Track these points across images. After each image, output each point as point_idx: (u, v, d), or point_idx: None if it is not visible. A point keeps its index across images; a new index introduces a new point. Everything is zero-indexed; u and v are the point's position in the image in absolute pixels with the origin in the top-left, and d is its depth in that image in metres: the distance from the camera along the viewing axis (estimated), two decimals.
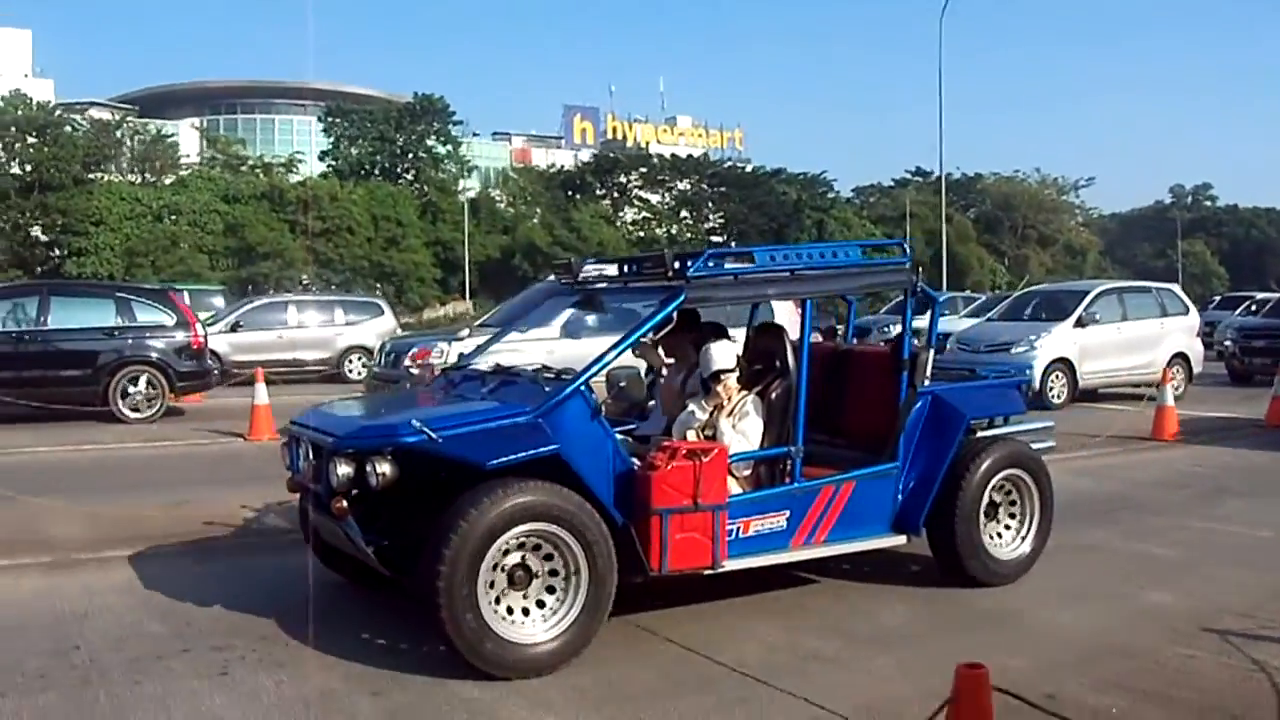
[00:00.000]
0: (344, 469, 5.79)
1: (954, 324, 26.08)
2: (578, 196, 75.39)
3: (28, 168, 52.76)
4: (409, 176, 70.54)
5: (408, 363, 15.32)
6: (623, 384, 6.66)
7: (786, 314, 15.17)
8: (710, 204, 79.18)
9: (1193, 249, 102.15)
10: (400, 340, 18.49)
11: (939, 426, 7.23)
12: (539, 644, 5.67)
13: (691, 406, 7.02)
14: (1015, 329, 20.06)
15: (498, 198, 75.70)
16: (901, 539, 7.16)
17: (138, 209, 55.59)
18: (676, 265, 6.59)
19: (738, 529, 6.37)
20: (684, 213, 79.01)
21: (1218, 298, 46.41)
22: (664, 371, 7.94)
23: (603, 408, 6.33)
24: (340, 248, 59.12)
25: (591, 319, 12.26)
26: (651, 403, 7.97)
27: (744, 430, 6.77)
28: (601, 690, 5.52)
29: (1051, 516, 7.64)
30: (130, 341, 17.34)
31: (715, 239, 73.35)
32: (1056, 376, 19.04)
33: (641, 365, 7.94)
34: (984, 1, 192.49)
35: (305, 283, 54.75)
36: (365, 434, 6.05)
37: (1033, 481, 7.55)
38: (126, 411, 16.77)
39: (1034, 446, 7.90)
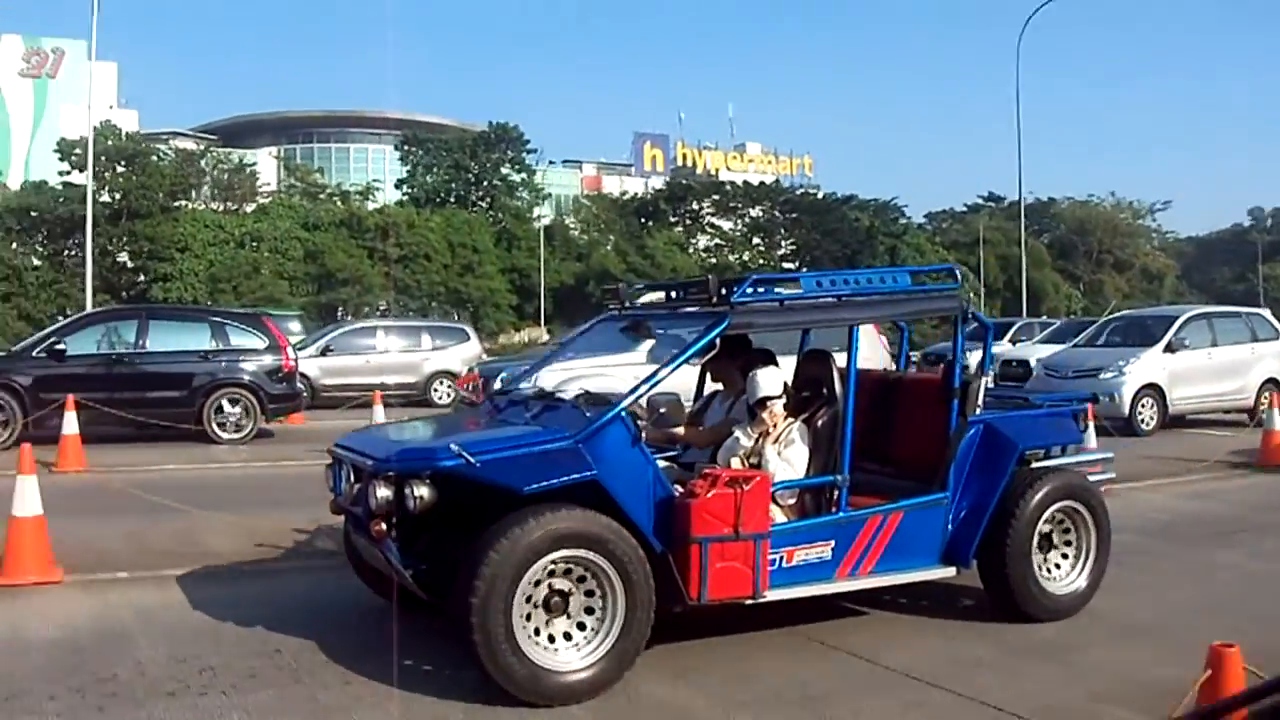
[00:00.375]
0: (383, 492, 5.81)
1: (1031, 350, 25.93)
2: (650, 223, 75.75)
3: (116, 195, 54.08)
4: (484, 204, 71.10)
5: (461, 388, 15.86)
6: (662, 410, 6.57)
7: (869, 338, 15.35)
8: (782, 230, 79.04)
9: (1274, 272, 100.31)
10: (488, 365, 19.02)
11: (991, 456, 7.07)
12: (574, 671, 5.64)
13: (737, 433, 6.94)
14: (1104, 355, 19.93)
15: (571, 225, 76.27)
16: (951, 571, 7.01)
17: (221, 236, 56.76)
18: (721, 291, 6.55)
19: (781, 558, 6.28)
20: (756, 239, 78.96)
21: None
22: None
23: (643, 434, 6.27)
24: (418, 274, 59.71)
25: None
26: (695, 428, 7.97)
27: (789, 458, 6.69)
28: (786, 690, 5.70)
29: (1108, 550, 7.42)
30: (224, 364, 17.76)
31: (788, 265, 73.30)
32: (1146, 403, 18.85)
33: (682, 390, 7.77)
34: (1055, 24, 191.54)
35: (383, 309, 55.86)
36: (404, 457, 6.05)
37: (1089, 514, 7.33)
38: (220, 432, 17.14)
39: (1092, 478, 7.69)
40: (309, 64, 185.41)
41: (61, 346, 17.06)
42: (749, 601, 6.06)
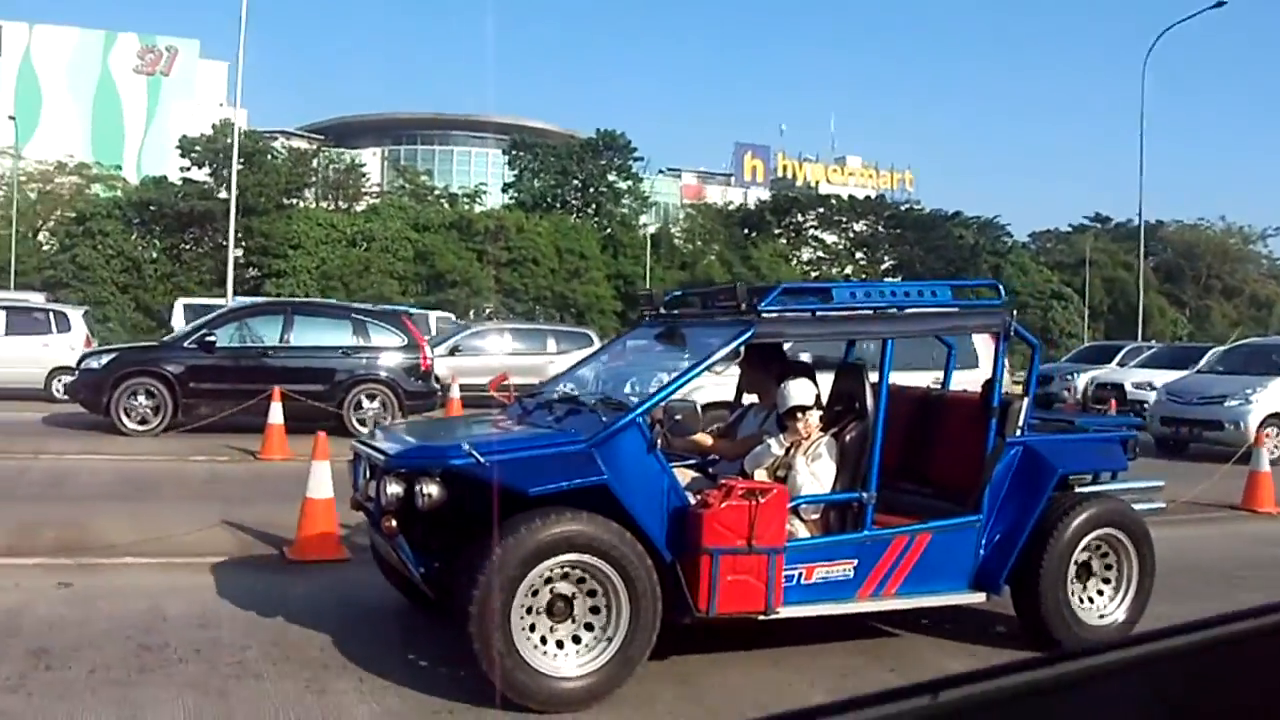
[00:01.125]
0: (393, 488, 5.81)
1: (1126, 375, 26.22)
2: (754, 234, 75.87)
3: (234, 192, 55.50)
4: (589, 210, 71.70)
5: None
6: (678, 417, 6.31)
7: (985, 346, 14.96)
8: (886, 246, 78.58)
9: None
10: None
11: (1029, 479, 6.81)
12: (573, 678, 5.56)
13: (769, 442, 6.77)
14: (1229, 382, 19.52)
15: (676, 233, 76.34)
16: (980, 597, 6.77)
17: (333, 234, 57.96)
18: (749, 299, 6.41)
19: (799, 575, 6.11)
20: (859, 254, 78.53)
21: None
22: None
23: (659, 441, 6.15)
24: (525, 278, 60.27)
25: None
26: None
27: (816, 472, 6.52)
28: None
29: (1151, 583, 7.07)
30: (364, 360, 18.16)
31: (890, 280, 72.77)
32: (1273, 431, 18.22)
33: (699, 399, 7.69)
34: (1171, 42, 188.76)
35: (489, 311, 56.50)
36: (415, 455, 6.07)
37: (1131, 543, 7.00)
38: (359, 426, 17.17)
39: (1139, 507, 7.35)
40: (414, 67, 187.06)
41: (212, 338, 17.57)
42: (761, 617, 5.92)
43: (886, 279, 72.16)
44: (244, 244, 55.65)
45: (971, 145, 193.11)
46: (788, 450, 6.65)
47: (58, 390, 22.96)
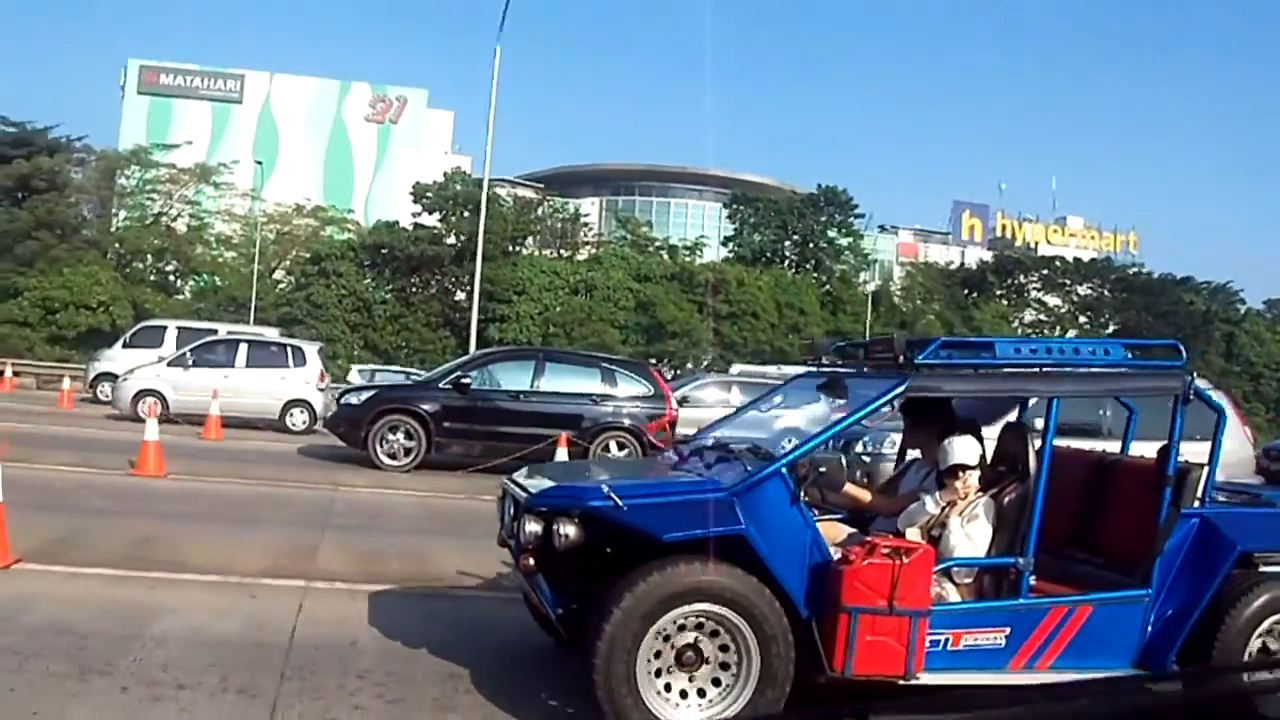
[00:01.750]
0: (531, 527, 5.80)
1: None
2: (974, 295, 74.50)
3: (462, 238, 56.78)
4: (808, 266, 71.39)
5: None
6: (822, 469, 6.20)
7: (1233, 428, 14.35)
8: (1110, 310, 76.11)
9: None
10: None
11: (1204, 554, 6.38)
12: None
13: (925, 499, 6.57)
14: None
15: (896, 291, 75.73)
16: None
17: (555, 281, 58.96)
18: (907, 352, 6.22)
19: (946, 640, 5.86)
20: (1083, 318, 76.23)
21: None
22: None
23: (802, 494, 5.99)
24: (744, 331, 60.32)
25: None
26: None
27: (971, 533, 6.29)
28: None
29: None
30: (612, 408, 18.55)
31: None
32: None
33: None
34: None
35: (707, 363, 56.61)
36: (555, 495, 6.01)
37: None
38: None
39: None
40: (632, 119, 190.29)
41: (466, 380, 18.20)
42: (901, 682, 5.64)
43: None
44: (467, 288, 57.19)
45: (1200, 205, 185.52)
46: (944, 509, 6.43)
47: (292, 423, 24.32)
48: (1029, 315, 76.17)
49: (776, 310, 62.35)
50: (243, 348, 25.34)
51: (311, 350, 26.25)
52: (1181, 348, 6.97)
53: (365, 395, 18.88)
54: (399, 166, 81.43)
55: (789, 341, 61.06)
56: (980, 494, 6.42)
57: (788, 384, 8.87)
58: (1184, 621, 6.24)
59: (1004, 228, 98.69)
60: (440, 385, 18.55)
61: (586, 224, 71.65)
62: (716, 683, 5.55)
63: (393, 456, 17.51)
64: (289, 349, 26.12)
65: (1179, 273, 77.57)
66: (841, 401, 7.71)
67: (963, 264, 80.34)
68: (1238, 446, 14.64)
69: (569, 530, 5.68)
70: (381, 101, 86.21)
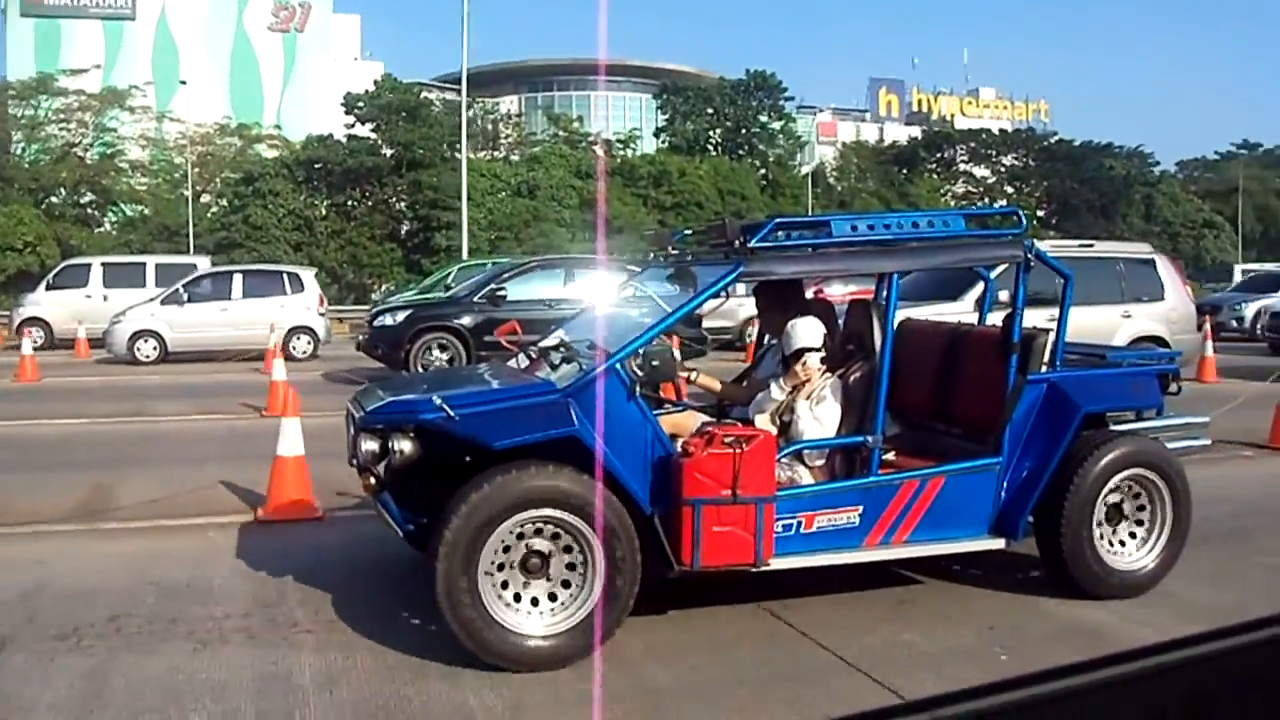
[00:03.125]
0: (368, 445, 5.66)
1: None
2: (905, 172, 74.82)
3: (398, 147, 56.07)
4: (741, 152, 70.99)
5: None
6: (655, 362, 5.98)
7: (1169, 275, 15.90)
8: (1036, 179, 76.68)
9: None
10: None
11: (1052, 418, 6.38)
12: (547, 636, 5.36)
13: (773, 385, 6.50)
14: None
15: (830, 172, 75.33)
16: (1000, 543, 6.36)
17: (497, 185, 57.98)
18: (740, 235, 6.07)
19: (798, 524, 5.82)
20: (1009, 187, 76.68)
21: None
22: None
23: (637, 388, 5.82)
24: (689, 221, 58.12)
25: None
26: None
27: (820, 415, 6.22)
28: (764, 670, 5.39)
29: (1187, 527, 6.58)
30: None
31: (1040, 214, 71.27)
32: None
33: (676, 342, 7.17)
34: None
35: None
36: (389, 410, 5.88)
37: (1165, 485, 6.50)
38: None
39: (1172, 445, 6.88)
40: (546, 12, 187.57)
41: (502, 292, 18.37)
42: (752, 569, 5.61)
43: (1039, 212, 71.67)
44: (411, 198, 56.62)
45: (1106, 74, 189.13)
46: (790, 393, 6.37)
47: (298, 350, 24.16)
48: (961, 188, 76.82)
49: (719, 198, 62.15)
50: (238, 279, 25.29)
51: (308, 275, 26.22)
52: (1021, 214, 6.93)
53: (402, 315, 18.93)
54: (309, 76, 79.08)
55: (678, 228, 60.76)
56: (827, 376, 6.35)
57: (636, 276, 8.76)
58: (1035, 486, 6.28)
59: (920, 102, 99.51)
60: (476, 300, 18.60)
61: (518, 124, 70.67)
62: (566, 585, 5.46)
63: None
64: (285, 275, 26.03)
65: (1088, 139, 78.31)
66: (690, 289, 7.42)
67: (895, 142, 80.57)
68: (1180, 304, 15.98)
69: (404, 445, 5.54)
70: (284, 9, 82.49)
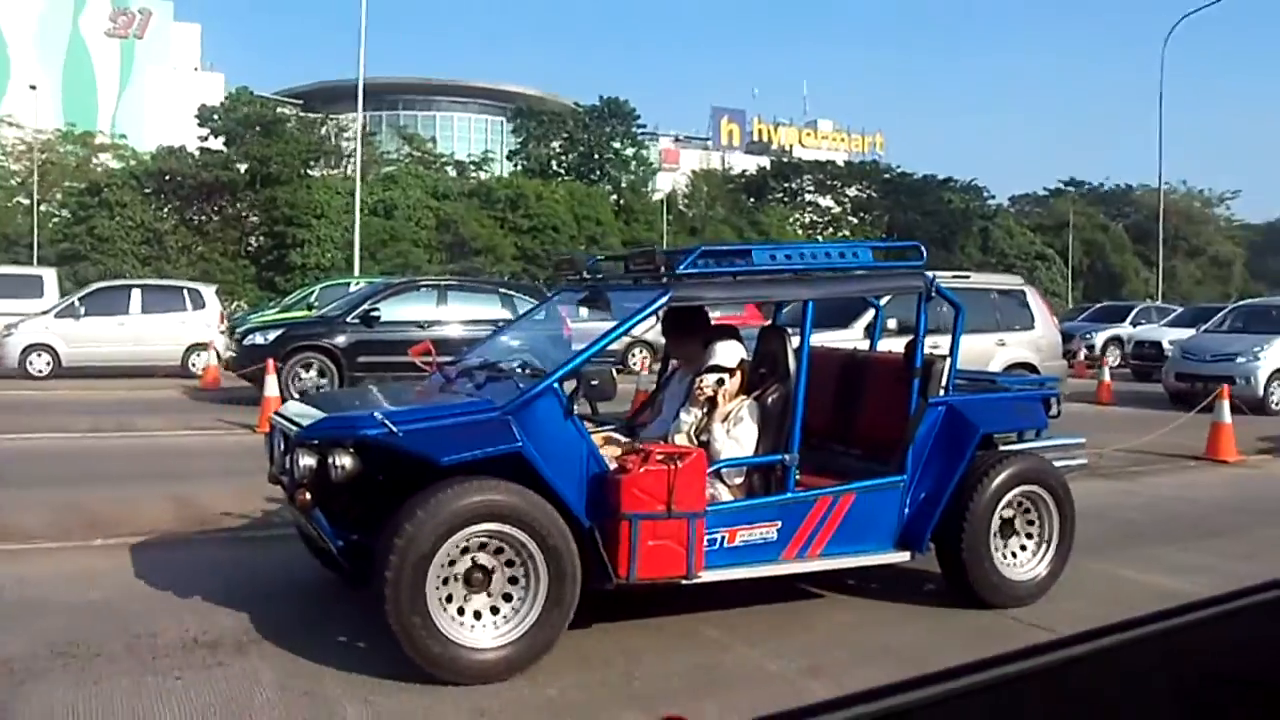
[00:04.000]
0: (306, 460, 5.63)
1: (1160, 333, 28.36)
2: (752, 200, 76.76)
3: (253, 162, 55.15)
4: (592, 177, 71.70)
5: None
6: (594, 382, 6.26)
7: (1039, 306, 16.81)
8: (879, 210, 79.01)
9: None
10: None
11: (951, 439, 6.78)
12: (491, 649, 5.45)
13: (690, 406, 6.75)
14: (1239, 340, 20.84)
15: (684, 199, 76.79)
16: (905, 556, 6.73)
17: (352, 204, 57.72)
18: (667, 263, 6.35)
19: (722, 538, 6.05)
20: (854, 219, 79.05)
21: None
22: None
23: (575, 408, 6.06)
24: (546, 244, 60.10)
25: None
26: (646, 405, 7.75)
27: (738, 436, 6.47)
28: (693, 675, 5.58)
29: (1072, 538, 7.11)
30: None
31: None
32: (1277, 385, 20.07)
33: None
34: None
35: (509, 278, 56.99)
36: (327, 426, 5.88)
37: (1052, 500, 7.03)
38: None
39: (1059, 464, 7.42)
40: (390, 31, 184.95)
41: (375, 313, 18.18)
42: (684, 581, 5.84)
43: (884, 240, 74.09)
44: (261, 214, 55.85)
45: (939, 110, 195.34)
46: (705, 414, 6.61)
47: (194, 367, 23.70)
48: (808, 217, 78.95)
49: (575, 222, 62.67)
50: (136, 293, 24.58)
51: (209, 292, 25.63)
52: (923, 249, 7.32)
53: (273, 334, 18.50)
54: (147, 85, 76.62)
55: (590, 253, 61.21)
56: (743, 398, 6.62)
57: (549, 299, 9.01)
58: (937, 502, 6.64)
59: (760, 132, 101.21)
60: (348, 320, 18.37)
61: (374, 143, 70.08)
62: (508, 598, 5.56)
63: (306, 394, 17.00)
64: (185, 291, 25.43)
65: (927, 173, 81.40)
66: (604, 314, 7.88)
67: (744, 171, 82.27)
68: (1048, 333, 17.07)
69: (345, 461, 5.55)
70: (123, 15, 79.87)
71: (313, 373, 17.64)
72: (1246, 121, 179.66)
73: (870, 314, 9.35)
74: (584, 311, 9.09)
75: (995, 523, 6.80)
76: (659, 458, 5.68)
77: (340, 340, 18.00)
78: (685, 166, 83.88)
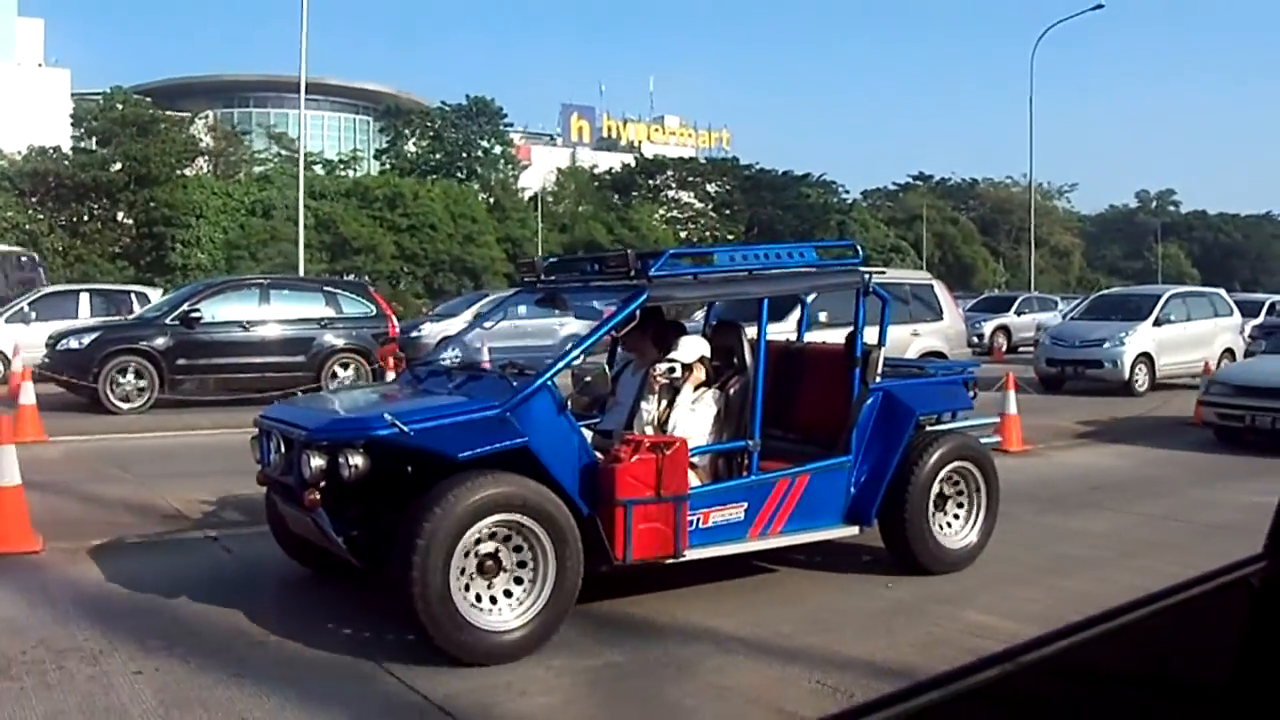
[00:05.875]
0: (316, 461, 5.86)
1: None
2: (618, 196, 78.86)
3: (132, 163, 54.90)
4: (458, 175, 73.13)
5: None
6: (588, 379, 6.69)
7: (946, 299, 18.19)
8: (742, 205, 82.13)
9: (1168, 252, 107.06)
10: None
11: (890, 421, 7.36)
12: (509, 631, 5.78)
13: (649, 398, 7.23)
14: (1105, 327, 22.21)
15: (551, 196, 78.23)
16: (854, 530, 7.29)
17: (230, 203, 58.01)
18: (639, 265, 6.72)
19: (698, 520, 6.47)
20: (715, 214, 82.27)
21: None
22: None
23: (568, 402, 6.46)
24: (424, 243, 61.55)
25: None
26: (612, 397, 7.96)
27: (699, 423, 6.95)
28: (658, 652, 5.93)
29: (997, 507, 7.80)
30: (339, 331, 18.97)
31: (749, 239, 75.00)
32: (1140, 368, 21.53)
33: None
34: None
35: (390, 275, 58.66)
36: (338, 427, 6.15)
37: (980, 474, 7.70)
38: None
39: (983, 440, 8.12)
40: (244, 27, 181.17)
41: (196, 314, 17.97)
42: (670, 561, 6.30)
43: (747, 237, 77.24)
44: (145, 215, 55.62)
45: (783, 106, 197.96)
46: (668, 405, 7.11)
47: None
48: (668, 213, 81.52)
49: (452, 220, 63.80)
50: (84, 297, 24.17)
51: (156, 295, 25.24)
52: (858, 247, 8.10)
53: (88, 338, 17.84)
54: None
55: (466, 251, 62.70)
56: (704, 389, 7.10)
57: (506, 300, 9.48)
58: (881, 479, 7.24)
59: (609, 129, 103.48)
60: (168, 321, 18.04)
61: (244, 141, 70.32)
62: (519, 581, 5.92)
63: (126, 399, 17.10)
64: (133, 295, 24.91)
65: (773, 168, 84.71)
66: (561, 314, 8.39)
67: (610, 169, 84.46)
68: (955, 323, 18.75)
69: (357, 460, 5.79)
70: None
71: (130, 376, 17.37)
72: (1081, 118, 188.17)
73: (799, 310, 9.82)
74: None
75: (932, 496, 7.46)
76: (648, 446, 6.15)
77: (160, 343, 17.65)
78: (536, 163, 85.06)
